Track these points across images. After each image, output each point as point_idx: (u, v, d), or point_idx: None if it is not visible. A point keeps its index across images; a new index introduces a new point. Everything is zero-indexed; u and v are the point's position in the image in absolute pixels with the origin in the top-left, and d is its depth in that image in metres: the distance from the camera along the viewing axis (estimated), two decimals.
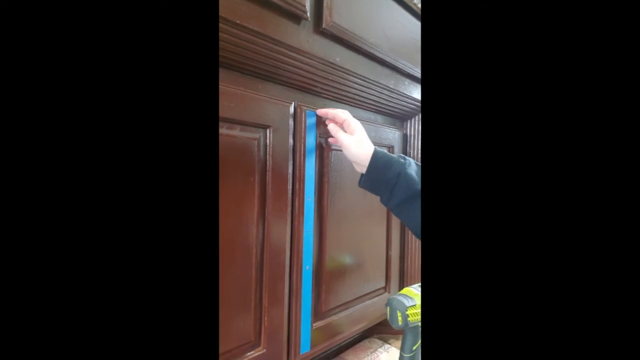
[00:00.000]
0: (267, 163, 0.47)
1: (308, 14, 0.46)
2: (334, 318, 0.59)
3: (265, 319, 0.47)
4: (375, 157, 0.45)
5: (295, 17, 0.45)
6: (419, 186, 0.42)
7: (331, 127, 0.50)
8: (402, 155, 0.47)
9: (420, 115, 0.76)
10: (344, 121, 0.49)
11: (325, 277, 0.57)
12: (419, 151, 0.76)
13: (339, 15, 0.49)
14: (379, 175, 0.45)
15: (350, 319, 0.63)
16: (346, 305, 0.63)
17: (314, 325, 0.55)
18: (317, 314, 0.57)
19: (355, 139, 0.47)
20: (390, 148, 0.70)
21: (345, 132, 0.49)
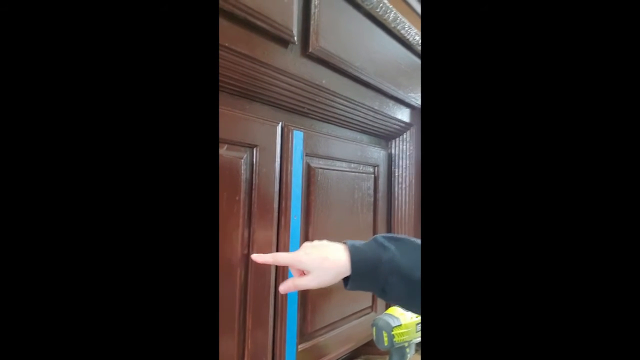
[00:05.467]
0: (254, 182, 0.47)
1: (295, 38, 0.47)
2: (320, 339, 0.58)
3: (249, 341, 0.46)
4: (355, 268, 0.38)
5: (283, 41, 0.46)
6: (412, 288, 0.36)
7: (285, 287, 0.41)
8: (383, 242, 0.39)
9: (404, 135, 0.78)
10: (290, 266, 0.42)
11: (311, 297, 0.57)
12: (404, 170, 0.78)
13: (325, 39, 0.51)
14: (365, 284, 0.39)
15: (336, 340, 0.62)
16: (332, 325, 0.62)
17: (299, 347, 0.54)
18: (303, 335, 0.55)
19: (315, 276, 0.39)
20: (376, 167, 0.72)
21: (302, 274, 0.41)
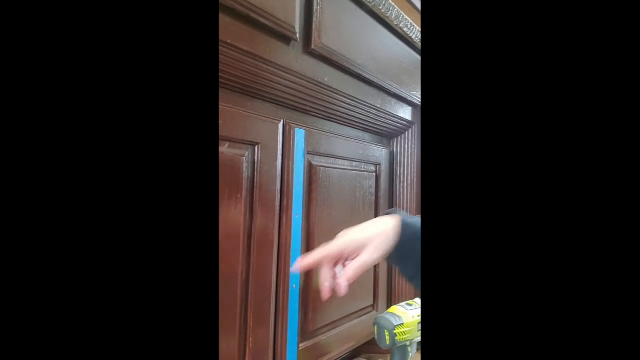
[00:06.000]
0: (255, 180, 0.47)
1: (297, 35, 0.47)
2: (321, 338, 0.58)
3: (250, 339, 0.46)
4: (402, 241, 0.36)
5: (285, 38, 0.46)
6: None
7: (352, 273, 0.36)
8: None
9: (406, 134, 0.78)
10: (342, 256, 0.37)
11: (313, 296, 0.56)
12: (406, 168, 0.78)
13: (327, 37, 0.51)
14: (406, 259, 0.37)
15: (337, 339, 0.62)
16: (333, 324, 0.62)
17: (300, 345, 0.54)
18: (304, 334, 0.55)
19: (374, 248, 0.36)
20: (377, 165, 0.71)
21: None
